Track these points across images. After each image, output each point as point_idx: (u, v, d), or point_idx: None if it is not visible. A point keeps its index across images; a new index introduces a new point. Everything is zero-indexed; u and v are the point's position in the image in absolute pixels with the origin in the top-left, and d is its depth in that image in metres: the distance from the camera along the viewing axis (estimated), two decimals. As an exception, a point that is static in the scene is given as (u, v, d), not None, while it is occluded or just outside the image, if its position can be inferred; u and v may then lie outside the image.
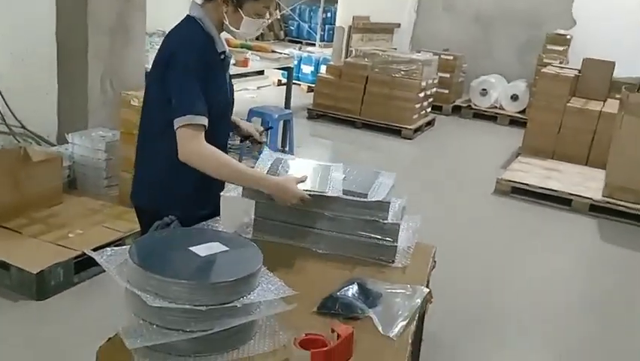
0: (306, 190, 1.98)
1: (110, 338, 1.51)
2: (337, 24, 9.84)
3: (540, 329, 3.44)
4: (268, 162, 2.20)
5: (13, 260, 3.14)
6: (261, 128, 2.34)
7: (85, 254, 3.23)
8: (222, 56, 1.99)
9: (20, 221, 3.54)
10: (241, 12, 1.90)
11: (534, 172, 5.97)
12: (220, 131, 2.05)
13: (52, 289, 3.14)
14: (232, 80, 2.12)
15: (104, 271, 3.46)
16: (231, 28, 1.93)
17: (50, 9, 4.38)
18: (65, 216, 3.72)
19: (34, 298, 3.09)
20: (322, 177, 2.12)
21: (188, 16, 1.95)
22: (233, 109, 2.16)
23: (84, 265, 3.30)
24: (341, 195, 2.01)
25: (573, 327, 3.52)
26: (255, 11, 1.91)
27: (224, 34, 2.01)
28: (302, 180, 1.97)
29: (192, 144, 1.83)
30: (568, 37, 8.82)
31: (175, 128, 1.82)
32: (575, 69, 7.20)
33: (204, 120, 1.83)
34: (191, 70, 1.84)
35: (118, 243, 3.48)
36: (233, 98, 2.13)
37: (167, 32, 5.51)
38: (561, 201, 5.43)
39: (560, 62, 8.28)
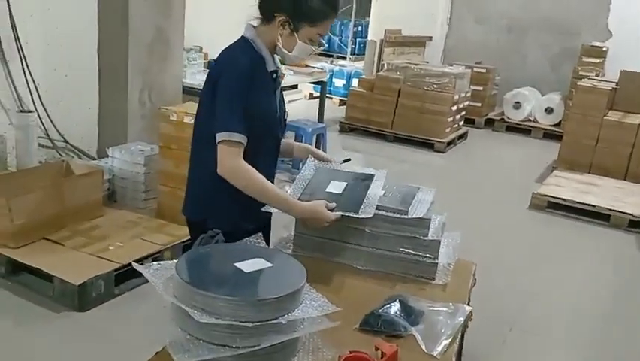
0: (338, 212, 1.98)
1: (157, 353, 1.53)
2: (369, 37, 9.88)
3: (578, 346, 3.37)
4: (309, 174, 2.20)
5: (56, 272, 3.22)
6: (341, 160, 2.37)
7: (125, 266, 3.34)
8: (274, 75, 2.04)
9: (63, 233, 3.63)
10: (296, 36, 1.95)
11: (571, 186, 5.87)
12: (267, 147, 2.09)
13: (93, 300, 3.21)
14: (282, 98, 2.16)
15: (144, 283, 3.54)
16: (284, 50, 1.98)
17: (92, 25, 4.51)
18: (106, 228, 3.79)
19: (75, 309, 3.16)
20: (359, 192, 2.10)
21: (242, 36, 2.02)
22: (285, 131, 2.20)
23: (124, 277, 3.37)
24: (381, 212, 2.02)
25: (613, 345, 3.44)
26: (309, 36, 1.96)
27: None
28: (330, 208, 1.98)
29: (229, 161, 1.89)
30: (604, 49, 8.68)
31: (216, 143, 1.89)
32: (612, 82, 7.07)
33: (242, 138, 1.89)
34: (235, 89, 1.90)
35: (157, 256, 3.54)
36: (285, 119, 2.17)
37: (202, 48, 5.59)
38: (599, 216, 5.32)
39: (596, 75, 8.14)
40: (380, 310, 1.72)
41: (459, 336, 1.71)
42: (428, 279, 2.04)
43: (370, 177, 2.20)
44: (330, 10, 1.96)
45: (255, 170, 1.92)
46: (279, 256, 1.72)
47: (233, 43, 2.03)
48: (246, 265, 1.58)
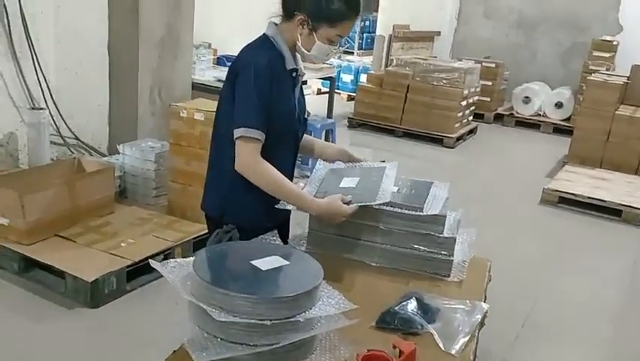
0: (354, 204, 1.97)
1: (174, 351, 1.53)
2: (378, 33, 9.83)
3: (591, 341, 3.36)
4: (321, 175, 2.20)
5: (68, 268, 3.23)
6: (375, 163, 2.33)
7: (137, 263, 3.35)
8: (294, 74, 2.03)
9: (75, 230, 3.64)
10: (315, 36, 1.94)
11: (582, 181, 5.83)
12: (285, 146, 2.09)
13: (105, 297, 3.22)
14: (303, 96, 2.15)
15: (155, 279, 3.54)
16: (303, 49, 1.98)
17: (102, 22, 4.51)
18: (117, 225, 3.80)
19: (88, 305, 3.17)
20: (373, 184, 2.09)
21: (263, 33, 2.02)
22: (305, 129, 2.20)
23: (135, 274, 3.38)
24: (396, 209, 2.01)
25: (625, 339, 3.42)
26: (328, 37, 1.95)
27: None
28: (346, 201, 1.97)
29: (247, 157, 1.90)
30: (614, 43, 8.61)
31: (234, 138, 1.90)
32: (624, 76, 7.02)
33: (259, 134, 1.89)
34: (253, 86, 1.89)
35: (167, 252, 3.55)
36: (304, 117, 2.15)
37: (211, 44, 5.55)
38: (611, 211, 5.29)
39: (607, 69, 8.09)
40: (396, 308, 1.72)
41: (477, 334, 1.70)
42: (443, 276, 2.03)
43: (382, 169, 2.20)
44: (350, 12, 1.94)
45: (272, 167, 1.91)
46: (295, 254, 1.72)
47: (253, 41, 2.03)
48: (263, 263, 1.58)
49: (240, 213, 2.02)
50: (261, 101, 1.89)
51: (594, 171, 6.25)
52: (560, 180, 5.86)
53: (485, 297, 2.03)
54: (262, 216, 2.01)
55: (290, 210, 2.04)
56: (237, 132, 1.88)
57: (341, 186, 2.09)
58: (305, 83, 7.78)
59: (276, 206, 2.01)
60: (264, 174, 1.91)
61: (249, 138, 1.88)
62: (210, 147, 2.11)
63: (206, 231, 2.17)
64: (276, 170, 1.92)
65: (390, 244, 2.05)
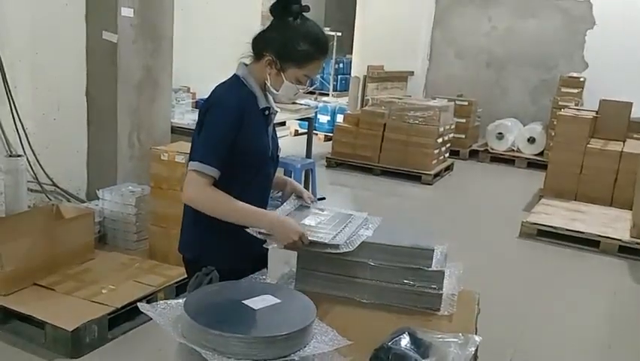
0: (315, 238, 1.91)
1: (166, 396, 1.49)
2: (353, 74, 10.03)
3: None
4: (290, 208, 2.17)
5: (48, 318, 3.14)
6: (313, 198, 2.30)
7: (118, 310, 3.27)
8: (266, 112, 2.05)
9: (54, 278, 3.56)
10: (283, 76, 1.96)
11: (559, 214, 5.93)
12: (258, 184, 2.09)
13: (86, 346, 3.13)
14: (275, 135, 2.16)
15: (137, 326, 3.46)
16: (272, 89, 2.01)
17: (81, 68, 4.53)
18: (97, 271, 3.73)
19: (69, 356, 3.07)
20: (334, 226, 2.05)
21: (234, 74, 2.04)
22: (277, 167, 2.20)
23: (117, 321, 3.30)
24: (384, 243, 2.01)
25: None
26: (296, 77, 1.97)
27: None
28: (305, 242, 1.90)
29: (194, 188, 1.89)
30: (581, 79, 8.91)
31: (188, 169, 1.90)
32: (592, 110, 7.23)
33: (214, 172, 1.88)
34: (219, 125, 1.91)
35: (150, 297, 3.49)
36: (277, 155, 2.17)
37: (190, 88, 5.58)
38: (588, 242, 5.37)
39: (575, 104, 8.34)
40: (390, 344, 1.70)
41: (471, 367, 1.69)
42: (433, 310, 2.02)
43: (349, 216, 2.15)
44: (317, 54, 1.96)
45: (219, 191, 1.89)
46: (286, 292, 1.70)
47: (225, 81, 2.04)
48: (255, 302, 1.57)
49: (217, 254, 2.00)
50: (225, 141, 1.90)
51: (570, 203, 6.37)
52: (537, 213, 5.95)
53: (476, 329, 2.03)
54: (239, 256, 2.00)
55: (267, 251, 2.00)
56: (192, 165, 1.89)
57: (302, 222, 2.03)
58: (284, 124, 7.87)
59: (264, 245, 1.99)
60: (210, 199, 1.88)
61: (202, 173, 1.87)
62: None
63: (190, 274, 2.14)
64: (223, 193, 1.89)
65: (380, 279, 2.04)
